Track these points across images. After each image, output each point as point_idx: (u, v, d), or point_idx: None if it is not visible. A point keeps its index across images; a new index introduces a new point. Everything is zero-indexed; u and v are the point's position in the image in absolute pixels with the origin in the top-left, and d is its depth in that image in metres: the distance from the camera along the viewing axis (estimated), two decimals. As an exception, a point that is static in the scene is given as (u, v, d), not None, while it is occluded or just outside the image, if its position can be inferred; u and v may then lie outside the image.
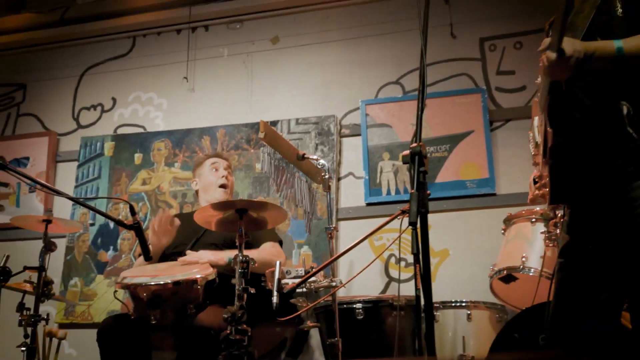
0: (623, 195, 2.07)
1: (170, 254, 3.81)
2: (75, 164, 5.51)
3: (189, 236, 3.87)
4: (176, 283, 3.19)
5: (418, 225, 1.83)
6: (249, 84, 5.44)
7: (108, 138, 5.50)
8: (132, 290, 3.22)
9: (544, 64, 2.01)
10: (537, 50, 2.14)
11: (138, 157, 5.35)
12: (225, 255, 3.60)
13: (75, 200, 3.86)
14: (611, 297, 2.23)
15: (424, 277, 1.82)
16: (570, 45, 1.95)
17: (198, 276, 3.22)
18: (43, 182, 3.29)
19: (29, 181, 2.95)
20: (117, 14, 5.80)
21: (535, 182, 2.46)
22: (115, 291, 4.38)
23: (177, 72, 5.60)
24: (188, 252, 3.63)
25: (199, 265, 3.44)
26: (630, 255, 2.08)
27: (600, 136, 2.12)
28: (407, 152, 1.98)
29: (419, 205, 1.84)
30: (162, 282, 3.19)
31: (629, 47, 1.99)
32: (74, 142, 5.63)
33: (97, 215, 5.22)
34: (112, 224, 5.20)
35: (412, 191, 1.86)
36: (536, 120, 2.36)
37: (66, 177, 5.54)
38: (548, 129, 2.12)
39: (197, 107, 5.50)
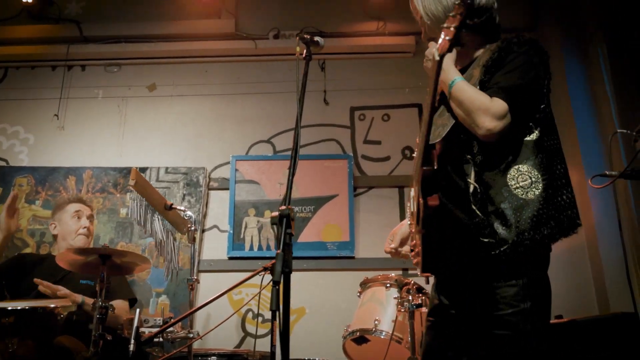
0: (484, 272, 2.18)
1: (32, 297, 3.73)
2: None
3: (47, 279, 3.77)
4: (34, 309, 3.14)
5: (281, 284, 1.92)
6: (121, 128, 5.41)
7: (-34, 168, 5.26)
8: None
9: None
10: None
11: (-3, 191, 5.16)
12: (80, 297, 3.58)
13: None
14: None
15: (283, 335, 1.91)
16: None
17: (57, 305, 3.19)
18: None
19: None
20: (-11, 42, 5.64)
21: (411, 250, 2.56)
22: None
23: (48, 108, 5.49)
24: (45, 283, 3.58)
25: (57, 299, 3.42)
26: (480, 322, 2.20)
27: (460, 211, 2.23)
28: (276, 213, 2.08)
29: (284, 266, 1.94)
30: (19, 308, 3.12)
31: (462, 83, 2.18)
32: None
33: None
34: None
35: (279, 252, 1.96)
36: (412, 191, 2.49)
37: None
38: (420, 199, 2.24)
39: (66, 146, 5.39)
